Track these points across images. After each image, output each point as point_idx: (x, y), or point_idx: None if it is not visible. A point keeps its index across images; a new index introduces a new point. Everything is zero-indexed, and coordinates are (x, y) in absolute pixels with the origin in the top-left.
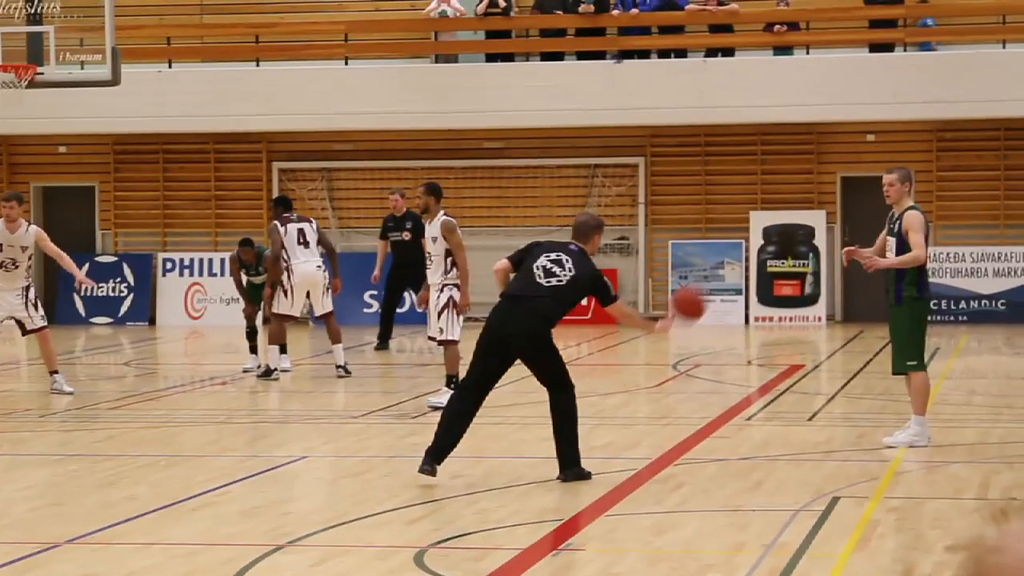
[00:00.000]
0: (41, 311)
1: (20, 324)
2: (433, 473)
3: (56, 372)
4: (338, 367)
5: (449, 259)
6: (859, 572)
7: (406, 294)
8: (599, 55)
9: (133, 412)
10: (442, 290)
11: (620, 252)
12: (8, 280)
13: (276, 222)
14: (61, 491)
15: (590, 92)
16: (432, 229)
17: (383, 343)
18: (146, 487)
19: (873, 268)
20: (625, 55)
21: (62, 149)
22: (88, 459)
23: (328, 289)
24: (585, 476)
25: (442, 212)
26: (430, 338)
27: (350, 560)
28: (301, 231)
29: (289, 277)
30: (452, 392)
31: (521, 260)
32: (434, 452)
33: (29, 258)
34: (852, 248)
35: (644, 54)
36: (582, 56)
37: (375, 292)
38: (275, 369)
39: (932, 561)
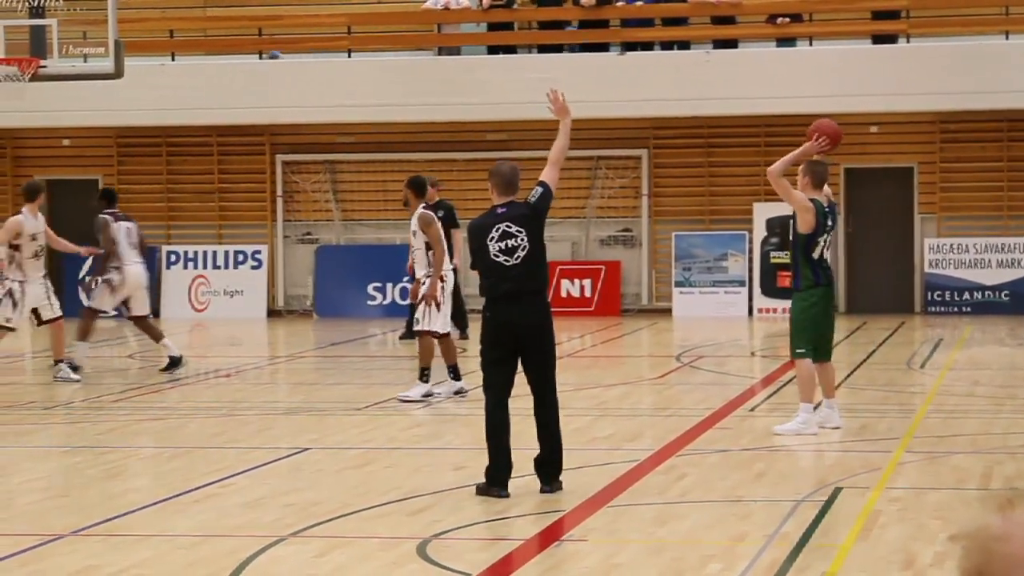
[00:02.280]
0: (57, 301)
1: (36, 314)
2: (508, 495)
3: (61, 361)
4: (171, 359)
5: (430, 252)
6: (861, 563)
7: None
8: (602, 47)
9: (137, 404)
10: (425, 282)
11: (624, 244)
12: (37, 269)
13: (107, 216)
14: (65, 483)
15: (593, 84)
16: (412, 222)
17: (409, 333)
18: (149, 479)
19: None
20: (628, 47)
21: (66, 142)
22: (92, 451)
23: (147, 290)
24: (561, 488)
25: (421, 206)
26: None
27: (352, 551)
28: (129, 231)
29: (121, 277)
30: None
31: (475, 259)
32: (503, 479)
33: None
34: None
35: (647, 46)
36: (585, 48)
37: (379, 285)
38: (180, 356)
39: (934, 552)
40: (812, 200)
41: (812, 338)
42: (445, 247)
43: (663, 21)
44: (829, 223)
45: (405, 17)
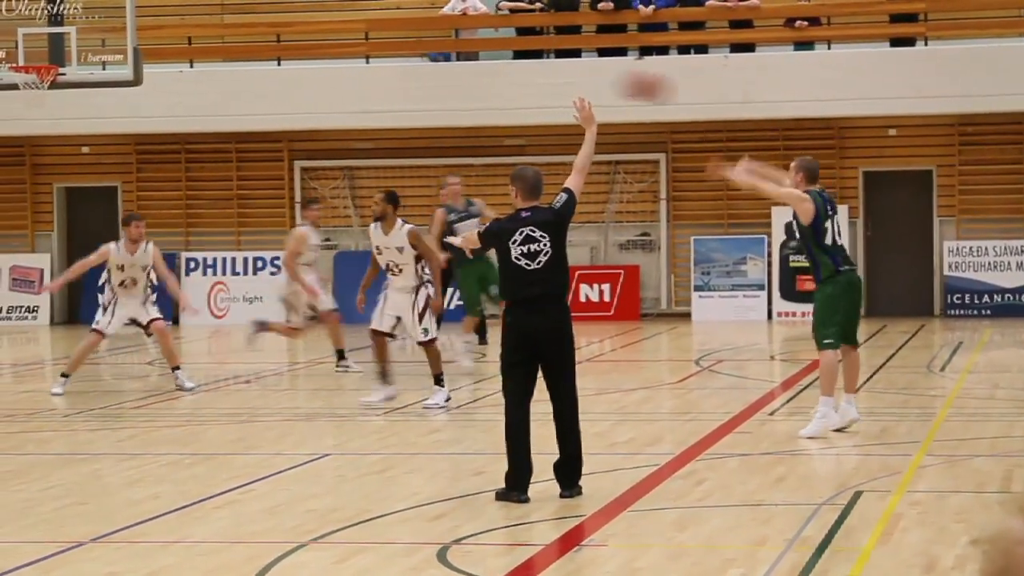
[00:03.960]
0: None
1: (139, 323)
2: (528, 500)
3: (178, 368)
4: None
5: (420, 263)
6: (882, 566)
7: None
8: (620, 51)
9: (157, 411)
10: (418, 291)
11: (642, 248)
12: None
13: None
14: (85, 490)
15: (611, 89)
16: (396, 239)
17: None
18: (169, 485)
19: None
20: (645, 51)
21: (85, 150)
22: (112, 458)
23: None
24: (580, 493)
25: (400, 220)
26: (389, 336)
27: (373, 557)
28: None
29: None
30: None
31: (491, 246)
32: (523, 484)
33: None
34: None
35: (664, 50)
36: (603, 53)
37: None
38: None
39: (955, 555)
40: (807, 191)
41: (838, 324)
42: (439, 256)
43: (680, 25)
44: (829, 208)
45: (423, 23)
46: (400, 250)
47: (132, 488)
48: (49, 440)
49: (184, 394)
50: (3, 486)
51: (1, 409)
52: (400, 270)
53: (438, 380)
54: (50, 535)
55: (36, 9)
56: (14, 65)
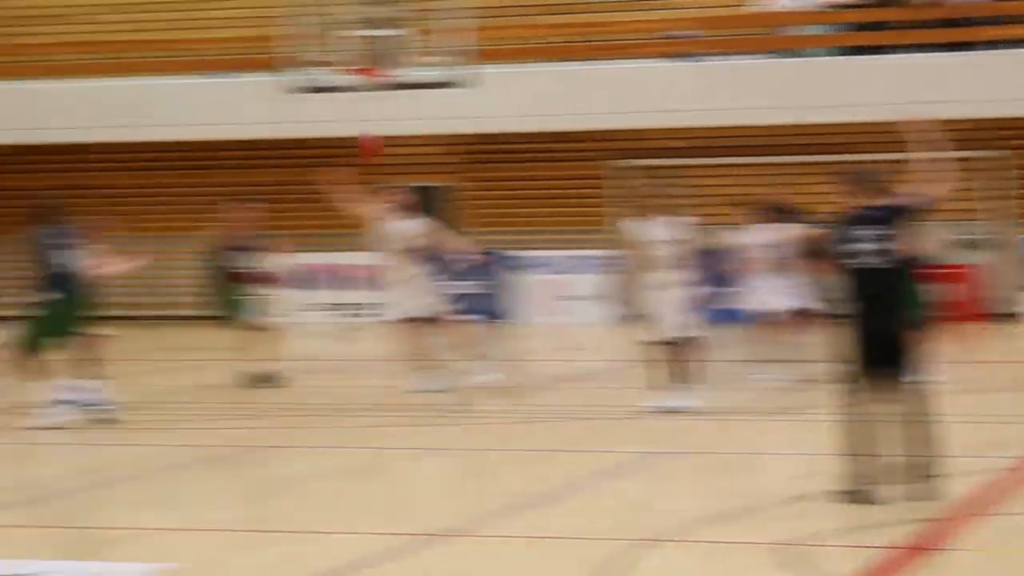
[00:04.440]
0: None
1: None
2: (877, 502)
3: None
4: None
5: (688, 257)
6: None
7: None
8: (956, 46)
9: (499, 408)
10: (684, 286)
11: (989, 247)
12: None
13: None
14: (433, 484)
15: (948, 83)
16: (671, 232)
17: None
18: (509, 482)
19: None
20: (984, 45)
21: (421, 149)
22: (455, 453)
23: None
24: (931, 496)
25: (668, 216)
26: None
27: (718, 556)
28: None
29: None
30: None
31: (835, 261)
32: (872, 486)
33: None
34: None
35: (996, 44)
36: (937, 48)
37: None
38: None
39: None
40: None
41: None
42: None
43: (1008, 19)
44: None
45: (737, 20)
46: (674, 244)
47: (478, 481)
48: (393, 435)
49: (515, 390)
50: (348, 480)
51: (342, 403)
52: (670, 265)
53: (685, 380)
54: (396, 527)
55: (364, 12)
56: (346, 68)
